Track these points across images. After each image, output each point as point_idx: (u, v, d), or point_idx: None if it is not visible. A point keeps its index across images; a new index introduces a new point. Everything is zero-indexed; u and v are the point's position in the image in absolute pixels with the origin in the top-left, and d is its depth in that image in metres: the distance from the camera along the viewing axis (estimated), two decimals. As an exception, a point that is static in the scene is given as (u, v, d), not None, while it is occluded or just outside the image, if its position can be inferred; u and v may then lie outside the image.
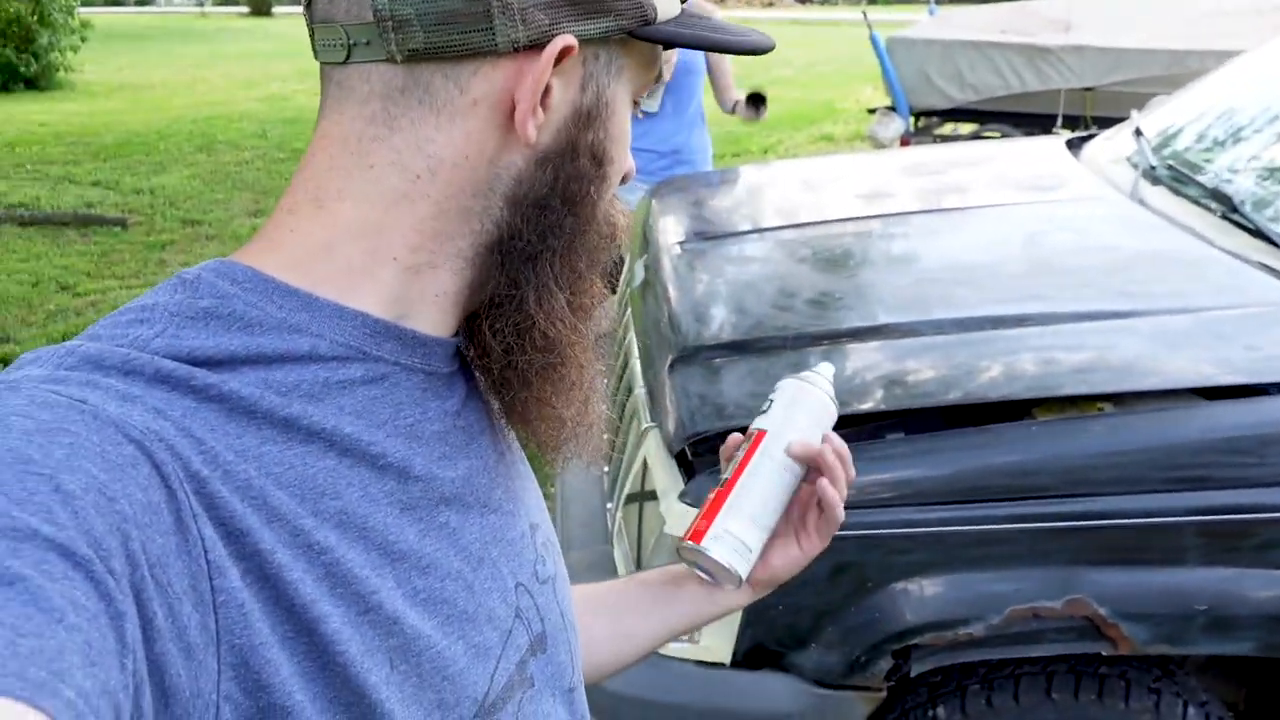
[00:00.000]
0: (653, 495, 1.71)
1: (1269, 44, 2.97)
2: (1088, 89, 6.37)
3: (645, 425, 1.81)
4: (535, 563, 0.70)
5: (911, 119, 7.18)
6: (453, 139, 0.59)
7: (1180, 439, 1.57)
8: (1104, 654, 1.57)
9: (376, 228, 0.59)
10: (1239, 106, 2.68)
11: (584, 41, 0.61)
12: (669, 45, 0.63)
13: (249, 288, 0.57)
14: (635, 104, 0.67)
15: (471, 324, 0.65)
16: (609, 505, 2.03)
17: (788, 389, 0.87)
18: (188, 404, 0.52)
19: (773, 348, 1.86)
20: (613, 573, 1.86)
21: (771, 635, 1.59)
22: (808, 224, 2.45)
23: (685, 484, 1.62)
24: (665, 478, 1.68)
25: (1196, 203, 2.24)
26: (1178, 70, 5.72)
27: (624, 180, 0.67)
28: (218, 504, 0.50)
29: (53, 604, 0.40)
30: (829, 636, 1.59)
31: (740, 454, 0.84)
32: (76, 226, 6.81)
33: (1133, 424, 1.59)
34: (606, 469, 2.15)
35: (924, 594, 1.57)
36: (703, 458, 1.66)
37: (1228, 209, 2.14)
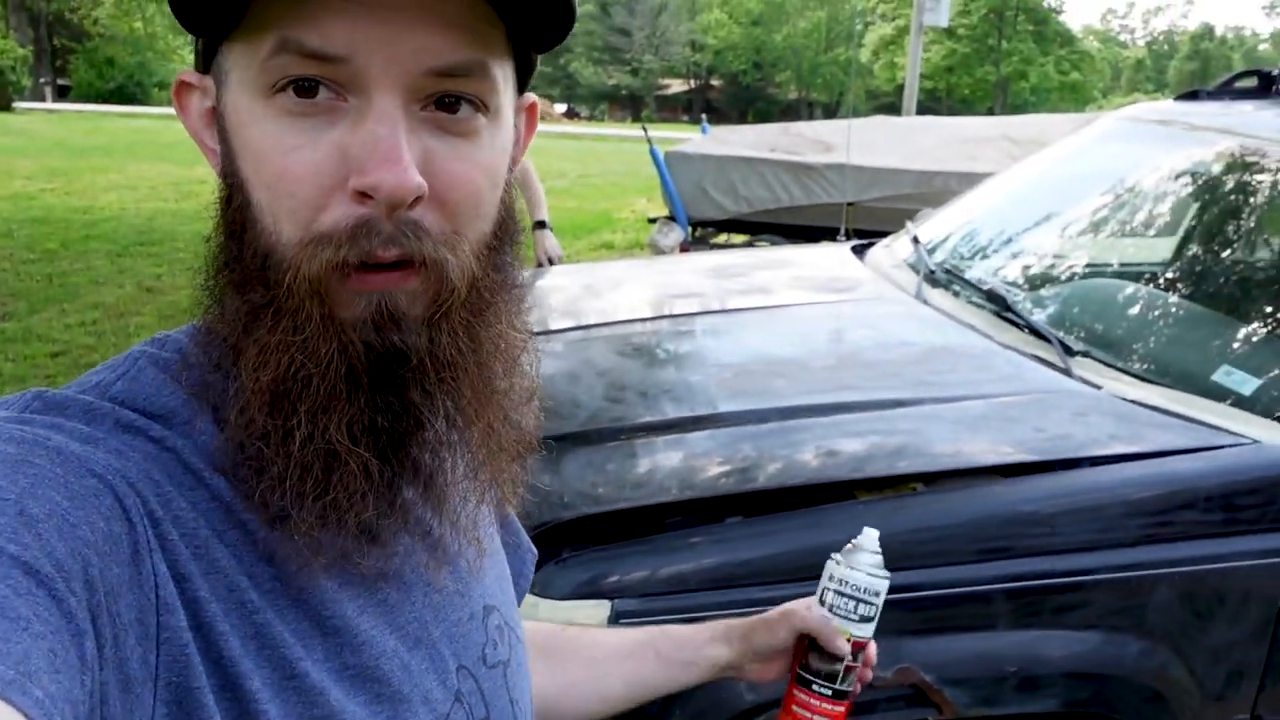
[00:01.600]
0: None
1: (1013, 168, 3.35)
2: (849, 204, 6.90)
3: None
4: (485, 645, 0.70)
5: (690, 229, 7.54)
6: None
7: (985, 513, 1.71)
8: None
9: None
10: (997, 220, 3.01)
11: (205, 54, 0.60)
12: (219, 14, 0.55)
13: (198, 339, 0.60)
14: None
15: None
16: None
17: (879, 587, 0.92)
18: (148, 450, 0.54)
19: (610, 438, 1.90)
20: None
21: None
22: (627, 320, 2.53)
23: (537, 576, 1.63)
24: (511, 569, 1.67)
25: (972, 303, 2.48)
26: (926, 189, 6.30)
27: (371, 198, 0.55)
28: (168, 545, 0.52)
29: (19, 613, 0.41)
30: (678, 718, 1.61)
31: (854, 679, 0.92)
32: None
33: (943, 501, 1.73)
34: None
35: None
36: (548, 547, 1.66)
37: (1001, 308, 2.37)
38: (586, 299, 2.85)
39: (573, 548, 1.65)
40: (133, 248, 9.36)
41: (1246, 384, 1.97)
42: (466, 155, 0.58)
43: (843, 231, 5.43)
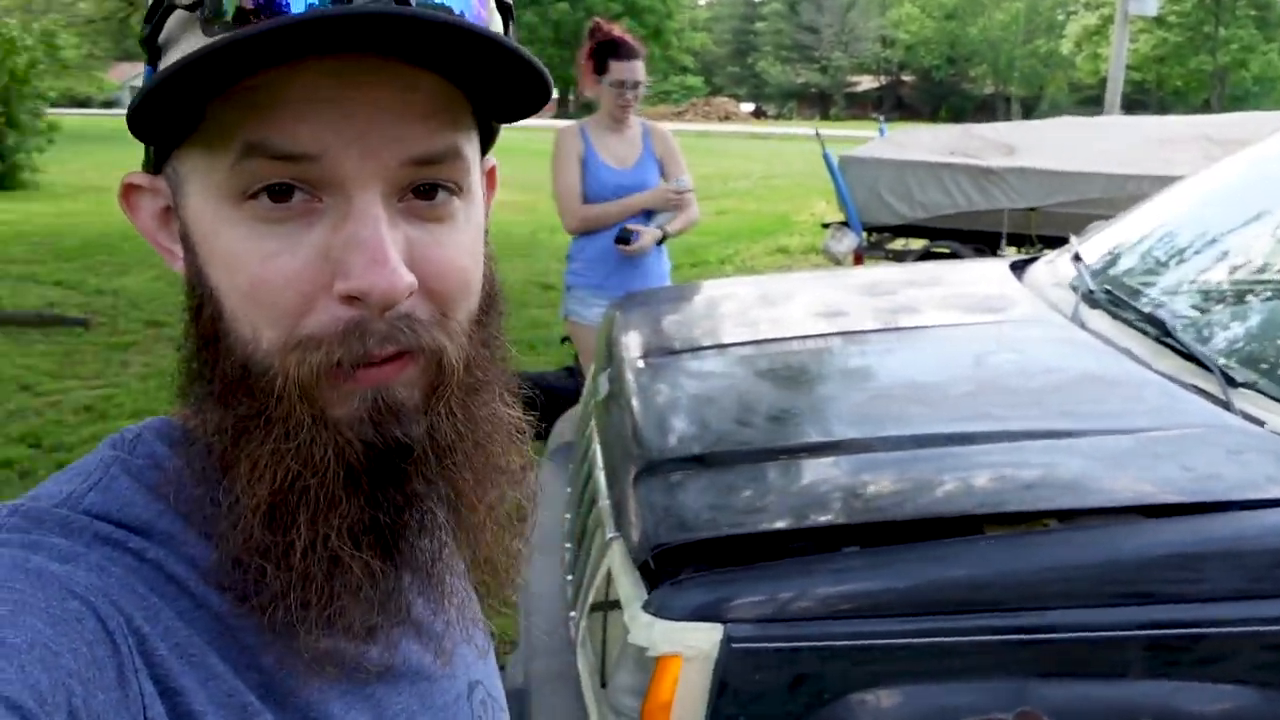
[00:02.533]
0: (616, 605, 1.75)
1: (1203, 172, 3.15)
2: (1031, 209, 6.64)
3: (609, 536, 1.86)
4: None
5: (864, 234, 7.42)
6: None
7: (1124, 555, 1.64)
8: None
9: None
10: (1175, 232, 2.84)
11: (160, 160, 0.58)
12: (182, 99, 0.52)
13: (176, 449, 0.59)
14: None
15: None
16: (572, 614, 2.06)
17: None
18: (129, 562, 0.53)
19: (734, 462, 1.92)
20: (576, 682, 1.88)
21: (732, 749, 1.62)
22: (767, 340, 2.54)
23: (648, 594, 1.66)
24: (629, 588, 1.72)
25: (1133, 326, 2.36)
26: (1116, 193, 5.99)
27: (361, 300, 0.54)
28: (155, 661, 0.51)
29: None
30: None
31: None
32: (39, 326, 6.80)
33: (1079, 540, 1.67)
34: (570, 578, 2.19)
35: (880, 706, 1.60)
36: (665, 568, 1.70)
37: (1161, 333, 2.25)
38: (720, 318, 2.87)
39: (690, 570, 1.68)
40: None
41: None
42: (447, 240, 0.57)
43: (1004, 241, 5.23)
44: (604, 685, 1.74)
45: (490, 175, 0.69)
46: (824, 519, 1.72)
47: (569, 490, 2.57)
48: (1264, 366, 2.10)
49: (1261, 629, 1.59)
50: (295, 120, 0.51)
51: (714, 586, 1.64)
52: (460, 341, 0.58)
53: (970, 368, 2.32)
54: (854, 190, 7.31)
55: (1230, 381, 2.02)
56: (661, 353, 2.52)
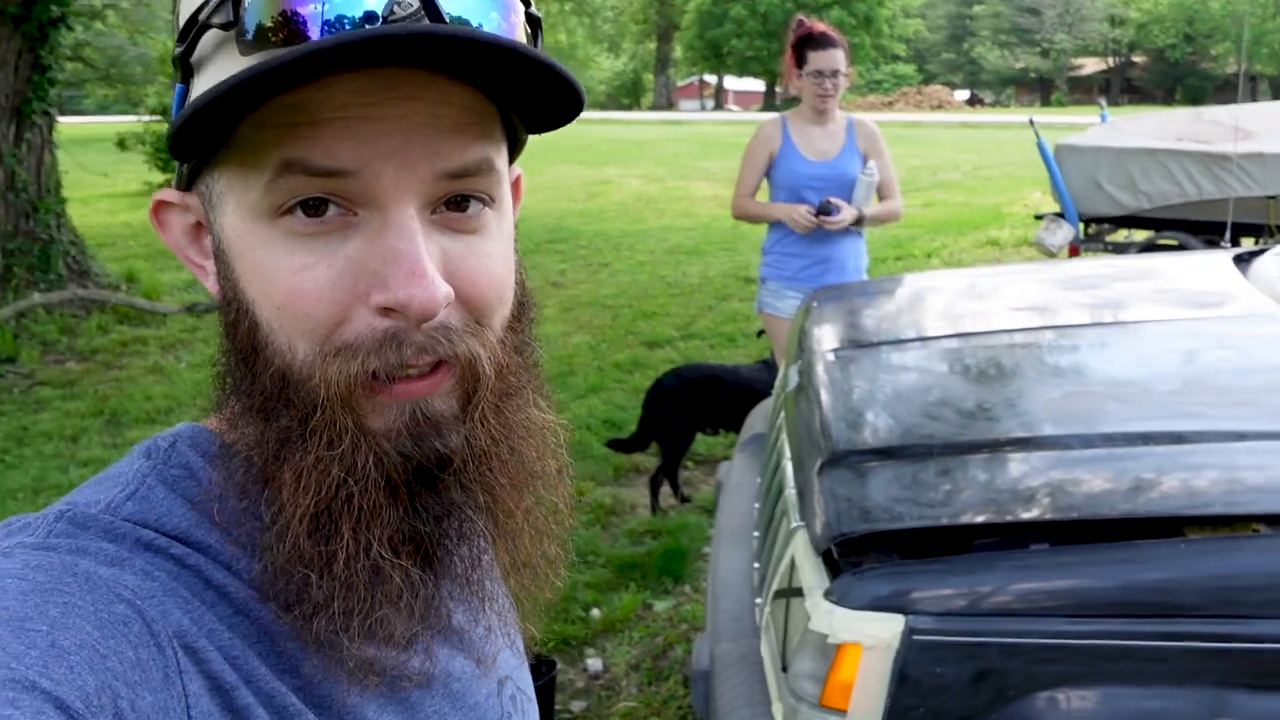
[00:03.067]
0: (799, 593, 1.79)
1: None
2: (1270, 197, 6.17)
3: (794, 525, 1.90)
4: (501, 719, 0.70)
5: (1081, 226, 7.09)
6: None
7: (1340, 564, 1.55)
8: None
9: None
10: None
11: (191, 177, 0.59)
12: (222, 117, 0.52)
13: (214, 462, 0.60)
14: None
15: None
16: (758, 600, 2.11)
17: None
18: (171, 568, 0.54)
19: (920, 455, 1.92)
20: (759, 666, 1.93)
21: (911, 741, 1.63)
22: (960, 335, 2.50)
23: (830, 583, 1.70)
24: (812, 576, 1.75)
25: (1369, 323, 2.20)
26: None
27: (398, 312, 0.54)
28: (203, 659, 0.52)
29: None
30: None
31: None
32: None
33: (1288, 546, 1.59)
34: (757, 565, 2.24)
35: (1068, 707, 1.58)
36: (847, 558, 1.73)
37: (1402, 330, 2.09)
38: (916, 312, 2.84)
39: (873, 560, 1.70)
40: (543, 245, 10.31)
41: None
42: (481, 250, 0.58)
43: (1227, 233, 4.89)
44: (785, 670, 1.78)
45: (516, 185, 0.69)
46: (1011, 515, 1.70)
47: (758, 480, 2.62)
48: None
49: None
50: (334, 138, 0.52)
51: (897, 577, 1.66)
52: (494, 349, 0.59)
53: (1180, 365, 2.22)
54: (1070, 180, 7.00)
55: None
56: (854, 345, 2.53)
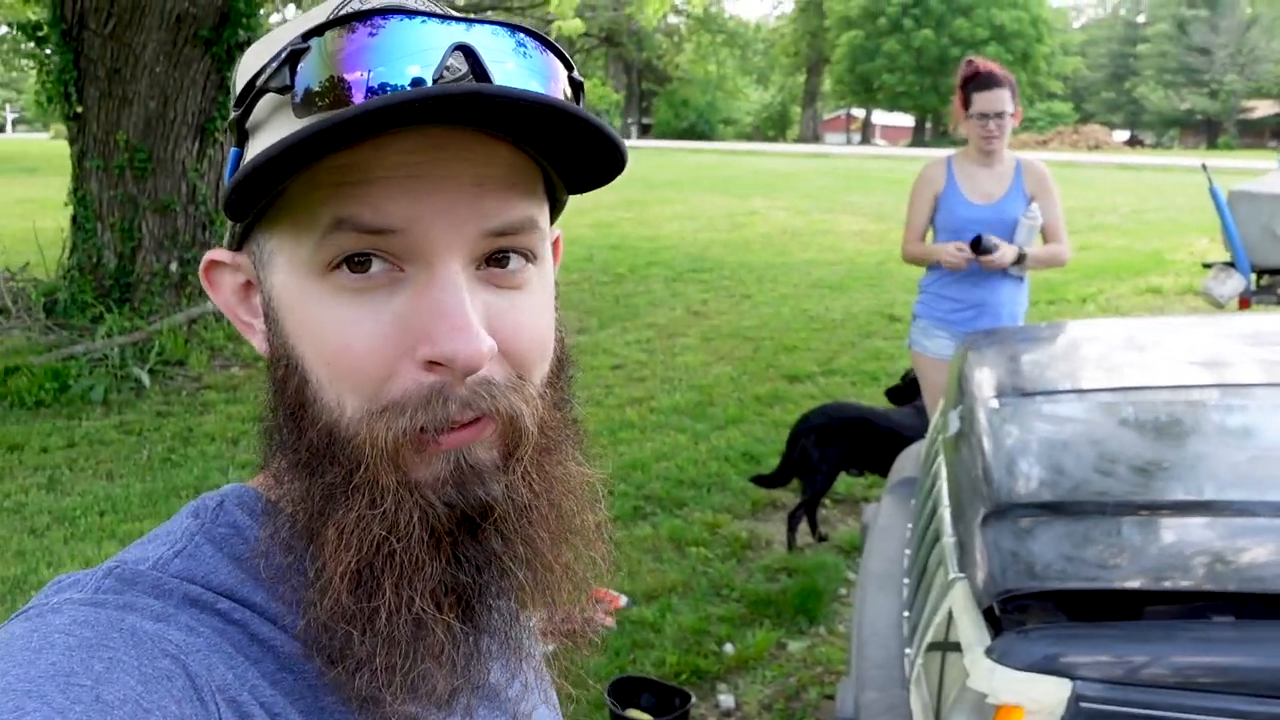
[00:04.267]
0: (956, 647, 1.73)
1: None
2: None
3: (953, 575, 1.84)
4: None
5: (1254, 276, 6.73)
6: None
7: None
8: None
9: None
10: None
11: (243, 237, 0.61)
12: (276, 177, 0.53)
13: (260, 520, 0.61)
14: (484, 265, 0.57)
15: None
16: (908, 651, 2.05)
17: None
18: (216, 624, 0.56)
19: (1091, 512, 1.84)
20: (907, 718, 1.88)
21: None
22: (1132, 388, 2.40)
23: (992, 640, 1.64)
24: (971, 631, 1.70)
25: None
26: None
27: (443, 366, 0.55)
28: (246, 713, 0.53)
29: None
30: None
31: None
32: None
33: None
34: (907, 614, 2.18)
35: (1241, 788, 1.48)
36: (1010, 615, 1.66)
37: None
38: (1081, 361, 2.73)
39: (1038, 620, 1.64)
40: (686, 274, 10.36)
41: None
42: (523, 305, 0.59)
43: None
44: (938, 724, 1.73)
45: (556, 244, 0.70)
46: (1189, 582, 1.61)
47: (909, 526, 2.56)
48: None
49: None
50: (384, 196, 0.54)
51: (1064, 640, 1.59)
52: (535, 404, 0.59)
53: (1376, 432, 2.07)
54: (1243, 227, 6.65)
55: None
56: (1016, 393, 2.45)
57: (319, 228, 0.54)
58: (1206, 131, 55.74)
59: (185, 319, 7.10)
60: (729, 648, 3.31)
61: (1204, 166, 7.38)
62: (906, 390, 4.17)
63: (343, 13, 0.54)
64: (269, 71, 0.55)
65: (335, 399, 0.56)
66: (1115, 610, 1.62)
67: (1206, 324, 3.11)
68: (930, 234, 3.74)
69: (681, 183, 20.90)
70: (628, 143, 0.63)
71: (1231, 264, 6.79)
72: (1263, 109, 55.59)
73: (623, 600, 3.54)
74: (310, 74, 0.53)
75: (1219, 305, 6.68)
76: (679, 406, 5.86)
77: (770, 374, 6.58)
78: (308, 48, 0.53)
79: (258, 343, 0.62)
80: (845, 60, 47.86)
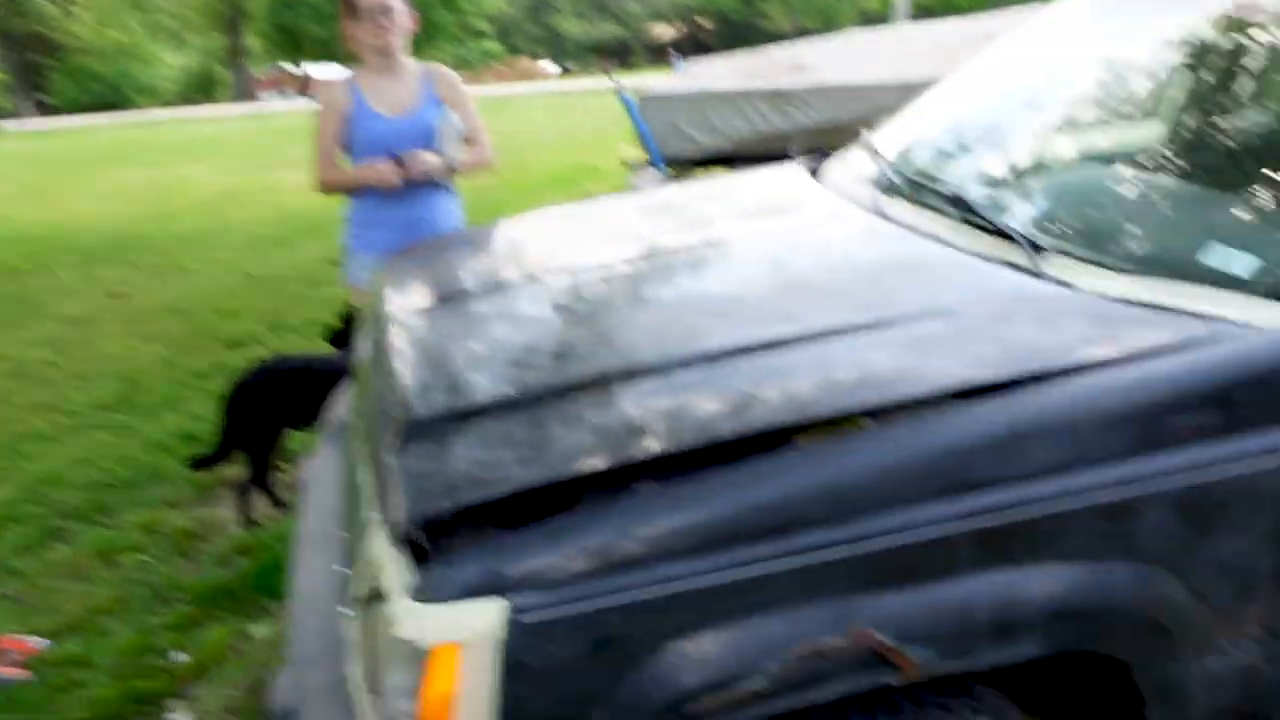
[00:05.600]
0: (384, 597, 1.47)
1: (982, 54, 3.05)
2: (830, 126, 6.57)
3: (369, 514, 1.57)
4: None
5: (668, 169, 7.25)
6: None
7: (943, 443, 1.46)
8: (894, 684, 1.43)
9: None
10: (965, 114, 2.72)
11: None
12: None
13: None
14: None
15: None
16: (341, 611, 1.77)
17: None
18: None
19: (508, 410, 1.66)
20: (346, 699, 1.60)
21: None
22: (544, 274, 2.28)
23: (418, 577, 1.39)
24: (394, 575, 1.44)
25: (935, 209, 2.21)
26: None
27: None
28: None
29: None
30: (600, 725, 1.38)
31: None
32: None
33: (894, 436, 1.48)
34: (340, 569, 1.89)
35: (700, 654, 1.38)
36: (438, 547, 1.42)
37: (965, 212, 2.10)
38: (500, 258, 2.61)
39: (463, 543, 1.41)
40: (104, 256, 9.20)
41: (1241, 262, 1.70)
42: None
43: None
44: (376, 692, 1.46)
45: None
46: (618, 457, 1.47)
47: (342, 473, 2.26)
48: (1068, 230, 1.97)
49: (1096, 498, 1.44)
50: None
51: (492, 555, 1.38)
52: None
53: (769, 273, 2.11)
54: (654, 127, 7.13)
55: (1036, 248, 1.88)
56: (429, 304, 2.23)
57: None
58: (623, 56, 60.85)
59: None
60: (182, 656, 2.83)
61: (608, 73, 7.80)
62: (347, 331, 3.84)
63: None
64: None
65: None
66: (549, 508, 1.43)
67: (613, 205, 3.11)
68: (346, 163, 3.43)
69: (96, 159, 18.72)
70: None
71: (650, 163, 7.26)
72: (664, 32, 61.86)
73: (36, 643, 2.89)
74: None
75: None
76: (99, 402, 5.08)
77: (209, 345, 5.93)
78: None
79: None
80: (266, 15, 45.46)
